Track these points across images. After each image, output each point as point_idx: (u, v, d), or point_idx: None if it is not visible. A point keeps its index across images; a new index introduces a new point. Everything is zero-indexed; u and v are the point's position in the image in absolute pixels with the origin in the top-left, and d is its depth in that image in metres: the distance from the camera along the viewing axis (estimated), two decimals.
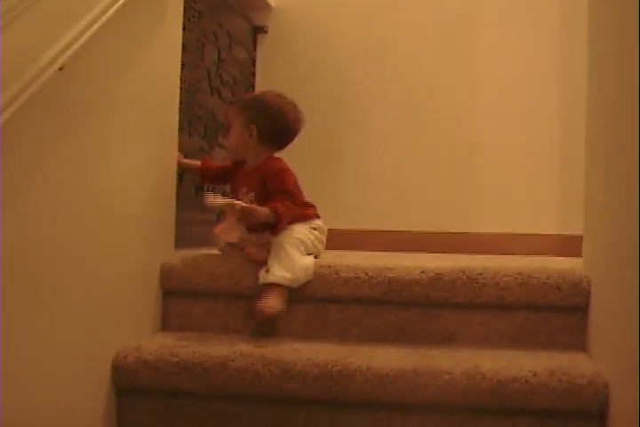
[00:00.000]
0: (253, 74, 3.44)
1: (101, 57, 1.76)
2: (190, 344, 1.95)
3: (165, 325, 2.17)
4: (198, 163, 2.41)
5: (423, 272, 2.03)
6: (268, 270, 2.04)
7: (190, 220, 2.49)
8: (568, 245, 2.77)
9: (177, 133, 2.28)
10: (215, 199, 2.06)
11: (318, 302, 2.09)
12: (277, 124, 2.23)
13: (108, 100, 1.82)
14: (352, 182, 3.44)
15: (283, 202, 2.10)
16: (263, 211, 2.06)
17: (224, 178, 2.39)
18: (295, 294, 2.05)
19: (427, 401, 1.79)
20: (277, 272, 2.02)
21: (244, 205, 2.03)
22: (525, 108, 3.36)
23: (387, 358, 1.85)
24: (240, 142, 2.26)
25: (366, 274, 2.05)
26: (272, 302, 1.99)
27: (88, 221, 1.73)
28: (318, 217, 2.27)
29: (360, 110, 3.44)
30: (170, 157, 2.25)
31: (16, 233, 1.43)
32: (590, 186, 2.02)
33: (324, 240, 2.26)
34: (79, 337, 1.72)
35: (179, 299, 2.17)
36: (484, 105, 3.38)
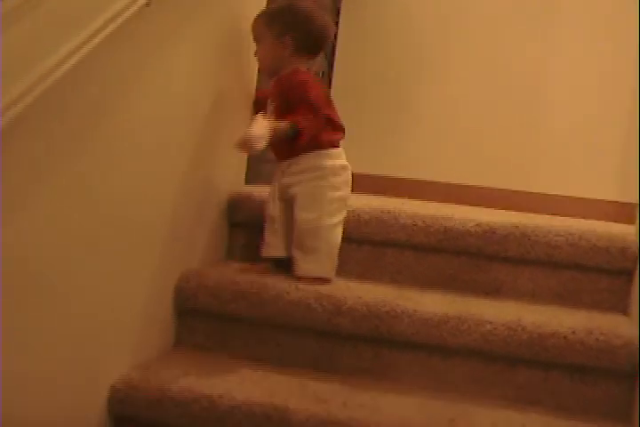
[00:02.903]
0: (337, 24, 3.45)
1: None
2: (250, 274, 2.06)
3: (230, 254, 2.29)
4: None
5: (478, 225, 2.11)
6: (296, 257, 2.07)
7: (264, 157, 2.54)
8: (622, 213, 2.81)
9: (255, 73, 2.34)
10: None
11: (375, 245, 2.17)
12: (313, 32, 2.10)
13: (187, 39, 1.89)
14: (420, 133, 3.46)
15: (305, 115, 1.98)
16: (280, 126, 1.95)
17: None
18: (354, 236, 2.14)
19: (466, 347, 1.87)
20: (308, 267, 2.06)
21: (253, 134, 1.85)
22: (598, 70, 3.34)
23: (433, 303, 1.94)
24: (274, 56, 2.11)
25: (423, 222, 2.13)
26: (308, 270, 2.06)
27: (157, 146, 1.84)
28: (334, 144, 2.10)
29: (439, 62, 3.45)
30: (251, 93, 2.32)
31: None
32: None
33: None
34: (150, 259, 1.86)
35: (243, 230, 2.29)
36: (557, 65, 3.38)
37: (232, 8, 2.14)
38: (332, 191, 2.06)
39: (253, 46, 2.16)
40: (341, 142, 2.13)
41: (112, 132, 1.58)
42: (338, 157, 2.10)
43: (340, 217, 2.07)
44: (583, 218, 2.79)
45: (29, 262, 1.37)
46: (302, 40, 2.09)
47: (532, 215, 2.50)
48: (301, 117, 1.97)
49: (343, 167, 2.10)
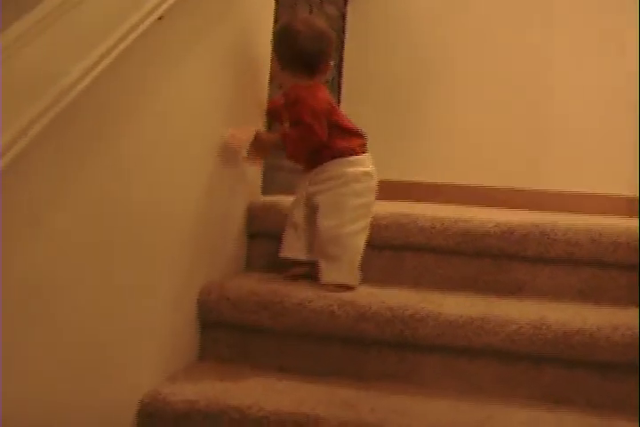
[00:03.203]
0: (343, 30, 3.47)
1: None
2: (271, 284, 2.06)
3: (249, 265, 2.30)
4: None
5: (496, 225, 2.11)
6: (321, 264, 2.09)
7: (278, 166, 2.57)
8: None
9: (266, 85, 2.35)
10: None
11: (395, 250, 2.17)
12: (294, 48, 2.10)
13: (198, 53, 1.90)
14: (430, 136, 3.47)
15: (296, 128, 2.06)
16: (270, 137, 2.10)
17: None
18: (375, 241, 2.14)
19: (492, 347, 1.87)
20: (331, 275, 2.08)
21: (235, 135, 2.03)
22: (604, 65, 3.35)
23: (457, 305, 1.94)
24: (277, 77, 2.23)
25: (442, 224, 2.13)
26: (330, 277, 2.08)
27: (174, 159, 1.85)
28: (363, 151, 2.13)
29: (445, 64, 3.47)
30: (262, 104, 2.33)
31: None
32: None
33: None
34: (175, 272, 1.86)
35: (262, 241, 2.29)
36: (563, 62, 3.39)
37: (240, 20, 2.14)
38: (354, 198, 2.07)
39: (262, 57, 2.19)
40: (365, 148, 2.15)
41: (133, 144, 1.60)
42: (360, 164, 2.11)
43: (362, 224, 2.08)
44: (599, 214, 2.79)
45: (53, 279, 1.37)
46: (287, 58, 2.13)
47: (550, 214, 2.50)
48: (291, 130, 2.07)
49: (366, 174, 2.10)
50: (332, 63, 2.18)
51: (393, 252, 2.18)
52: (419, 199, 2.89)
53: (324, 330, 1.96)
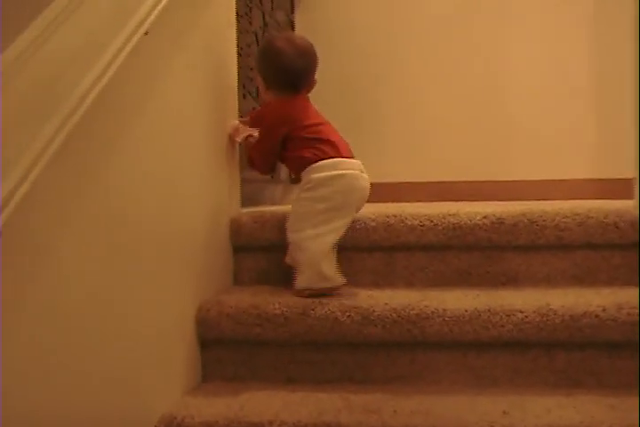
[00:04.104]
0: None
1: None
2: (268, 296, 2.03)
3: (236, 280, 2.26)
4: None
5: (485, 217, 2.11)
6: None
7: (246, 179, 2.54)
8: (605, 189, 2.85)
9: (237, 95, 2.33)
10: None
11: (386, 251, 2.16)
12: (277, 67, 2.12)
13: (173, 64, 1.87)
14: (386, 136, 3.49)
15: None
16: (249, 141, 2.21)
17: None
18: (364, 244, 2.14)
19: (501, 338, 1.87)
20: (297, 280, 2.06)
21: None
22: (559, 50, 3.41)
23: (459, 300, 1.93)
24: (263, 97, 2.23)
25: (431, 221, 2.13)
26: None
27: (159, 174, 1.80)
28: (332, 156, 2.07)
29: (395, 64, 3.50)
30: (233, 117, 2.31)
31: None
32: None
33: (343, 186, 2.06)
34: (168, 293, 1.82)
35: (247, 255, 2.26)
36: (516, 50, 3.45)
37: (209, 27, 2.12)
38: (316, 204, 2.04)
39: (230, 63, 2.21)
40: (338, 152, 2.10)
41: (124, 166, 1.56)
42: (327, 169, 2.06)
43: (327, 228, 2.03)
44: (567, 199, 2.82)
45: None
46: (270, 77, 2.15)
47: (536, 202, 2.52)
48: (254, 145, 2.18)
49: (332, 178, 2.05)
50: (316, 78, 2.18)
51: (383, 253, 2.16)
52: (384, 200, 2.88)
53: (329, 337, 1.94)
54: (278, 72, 2.12)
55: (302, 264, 2.04)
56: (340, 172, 2.06)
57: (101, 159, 1.46)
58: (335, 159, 2.07)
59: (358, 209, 2.11)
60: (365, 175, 2.10)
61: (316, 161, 2.07)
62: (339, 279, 2.04)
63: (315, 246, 2.03)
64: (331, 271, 2.03)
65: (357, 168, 2.09)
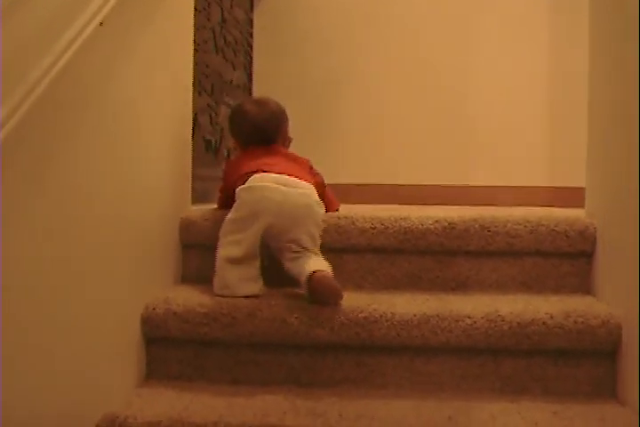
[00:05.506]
0: (251, 35, 3.45)
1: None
2: (215, 295, 2.00)
3: (184, 277, 2.23)
4: None
5: (437, 222, 2.11)
6: None
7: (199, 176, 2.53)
8: (556, 197, 2.87)
9: (191, 91, 2.31)
10: None
11: (336, 253, 2.13)
12: (245, 126, 2.25)
13: (131, 59, 1.84)
14: (346, 137, 3.48)
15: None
16: None
17: None
18: None
19: (449, 344, 1.87)
20: None
21: None
22: (515, 64, 3.43)
23: (408, 304, 1.93)
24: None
25: (382, 224, 2.12)
26: None
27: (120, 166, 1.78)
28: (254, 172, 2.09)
29: (356, 69, 3.49)
30: (187, 114, 2.28)
31: None
32: (593, 141, 2.11)
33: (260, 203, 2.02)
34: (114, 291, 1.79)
35: (197, 252, 2.23)
36: (477, 61, 3.46)
37: (165, 20, 2.09)
38: (231, 213, 2.04)
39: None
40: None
41: (70, 170, 1.52)
42: (248, 182, 2.06)
43: (232, 238, 2.01)
44: (518, 205, 2.84)
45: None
46: (240, 138, 2.28)
47: (488, 208, 2.53)
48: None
49: (242, 190, 2.04)
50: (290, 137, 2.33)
51: (333, 255, 2.12)
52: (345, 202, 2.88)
53: (277, 339, 1.92)
54: (247, 130, 2.25)
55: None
56: (252, 184, 2.04)
57: (51, 156, 1.42)
58: (263, 173, 2.07)
59: (292, 226, 2.02)
60: (305, 191, 2.05)
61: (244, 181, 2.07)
62: (244, 290, 1.99)
63: (221, 254, 2.02)
64: (233, 280, 1.99)
65: (291, 184, 2.05)
